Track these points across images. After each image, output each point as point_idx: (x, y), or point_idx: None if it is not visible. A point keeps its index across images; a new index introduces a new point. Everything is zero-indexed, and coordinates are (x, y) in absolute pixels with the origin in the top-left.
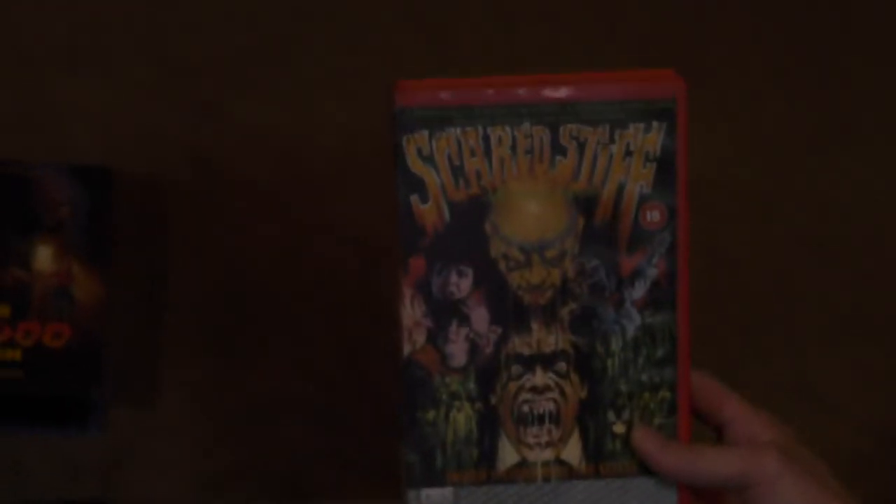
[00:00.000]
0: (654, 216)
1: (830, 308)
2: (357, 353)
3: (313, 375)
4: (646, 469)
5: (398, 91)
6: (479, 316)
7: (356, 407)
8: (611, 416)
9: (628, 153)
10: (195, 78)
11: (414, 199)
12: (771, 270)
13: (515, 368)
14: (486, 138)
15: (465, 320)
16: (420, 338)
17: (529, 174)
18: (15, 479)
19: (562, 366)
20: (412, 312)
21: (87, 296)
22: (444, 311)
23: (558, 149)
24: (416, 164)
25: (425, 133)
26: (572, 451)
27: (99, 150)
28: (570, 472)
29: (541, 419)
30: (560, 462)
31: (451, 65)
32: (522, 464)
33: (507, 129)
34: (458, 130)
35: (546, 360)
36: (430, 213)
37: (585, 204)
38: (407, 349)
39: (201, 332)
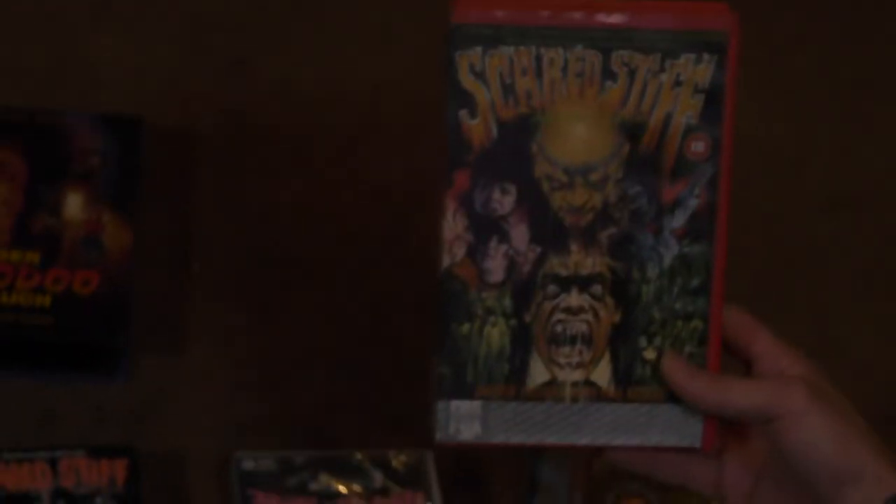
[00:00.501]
0: (698, 147)
1: (855, 264)
2: (382, 304)
3: (338, 325)
4: (673, 397)
5: (455, 6)
6: (520, 234)
7: (381, 357)
8: (642, 341)
9: (678, 83)
10: (224, 31)
11: (463, 113)
12: (796, 226)
13: (551, 288)
14: (539, 59)
15: (505, 237)
16: (460, 251)
17: (579, 97)
18: (44, 424)
19: (597, 288)
20: (454, 225)
21: (116, 244)
22: (485, 227)
23: (609, 74)
24: (467, 80)
25: (478, 50)
26: (602, 374)
27: (129, 101)
28: (598, 394)
29: (573, 339)
30: (589, 383)
31: None
32: (552, 382)
33: (560, 51)
34: (512, 49)
35: (582, 282)
36: (478, 128)
37: (632, 130)
38: (446, 262)
39: (228, 282)
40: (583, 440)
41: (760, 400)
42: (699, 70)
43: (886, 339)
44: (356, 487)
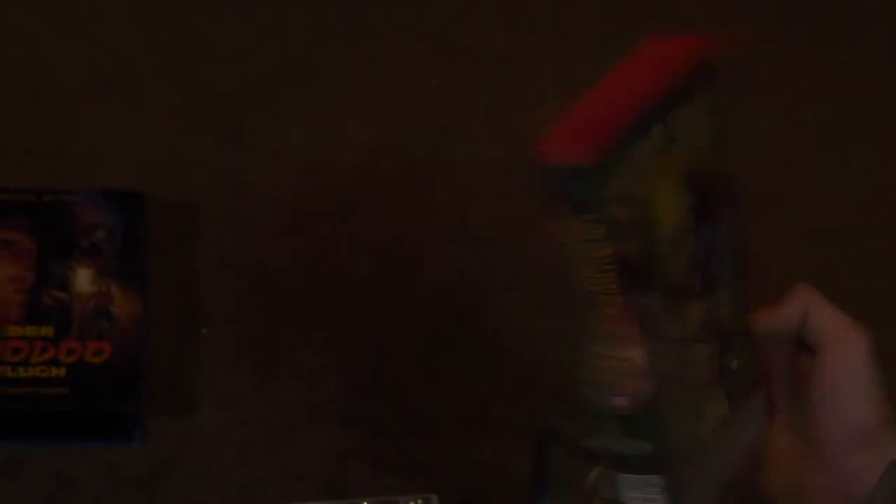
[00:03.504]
0: None
1: (843, 292)
2: (384, 358)
3: (344, 381)
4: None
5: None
6: None
7: (384, 409)
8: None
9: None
10: (220, 102)
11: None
12: (784, 259)
13: None
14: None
15: None
16: None
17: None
18: (63, 489)
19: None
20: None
21: (125, 314)
22: None
23: (670, 139)
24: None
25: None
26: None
27: (131, 174)
28: None
29: None
30: None
31: (470, 79)
32: None
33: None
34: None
35: None
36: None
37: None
38: None
39: (235, 343)
40: None
41: (832, 325)
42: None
43: (878, 362)
44: None
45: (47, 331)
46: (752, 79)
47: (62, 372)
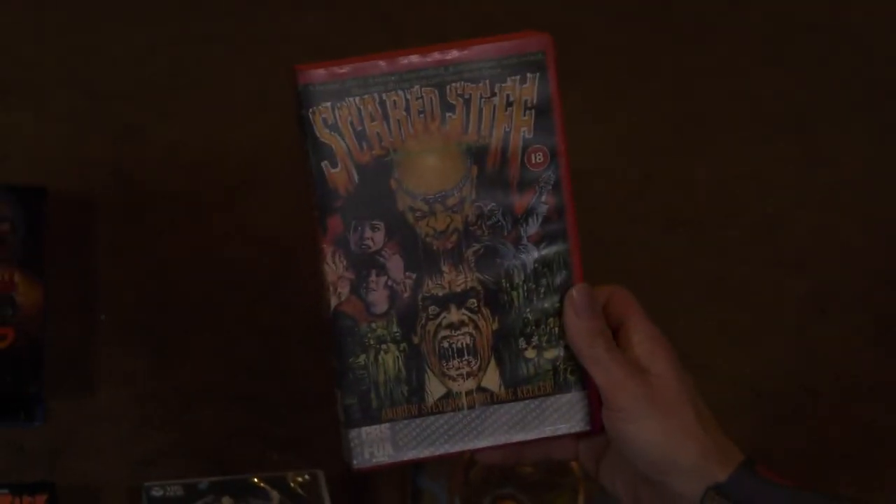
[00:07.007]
0: (537, 158)
1: (696, 275)
2: (271, 341)
3: (233, 362)
4: (559, 388)
5: (300, 71)
6: (395, 264)
7: (272, 389)
8: (521, 343)
9: (509, 104)
10: (115, 103)
11: (325, 164)
12: (643, 244)
13: (432, 309)
14: (383, 103)
15: (382, 269)
16: (344, 290)
17: (425, 132)
18: None
19: (473, 302)
20: (335, 268)
21: (28, 301)
22: (363, 264)
23: (447, 106)
24: (323, 133)
25: (328, 105)
26: (491, 379)
27: (34, 171)
28: (491, 398)
29: (460, 352)
30: (481, 389)
31: None
32: (448, 395)
33: (400, 93)
34: (357, 99)
35: (458, 299)
36: (341, 175)
37: (477, 153)
38: (333, 302)
39: (130, 328)
40: (484, 442)
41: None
42: (525, 89)
43: (727, 340)
44: None
45: None
46: (617, 77)
47: None
